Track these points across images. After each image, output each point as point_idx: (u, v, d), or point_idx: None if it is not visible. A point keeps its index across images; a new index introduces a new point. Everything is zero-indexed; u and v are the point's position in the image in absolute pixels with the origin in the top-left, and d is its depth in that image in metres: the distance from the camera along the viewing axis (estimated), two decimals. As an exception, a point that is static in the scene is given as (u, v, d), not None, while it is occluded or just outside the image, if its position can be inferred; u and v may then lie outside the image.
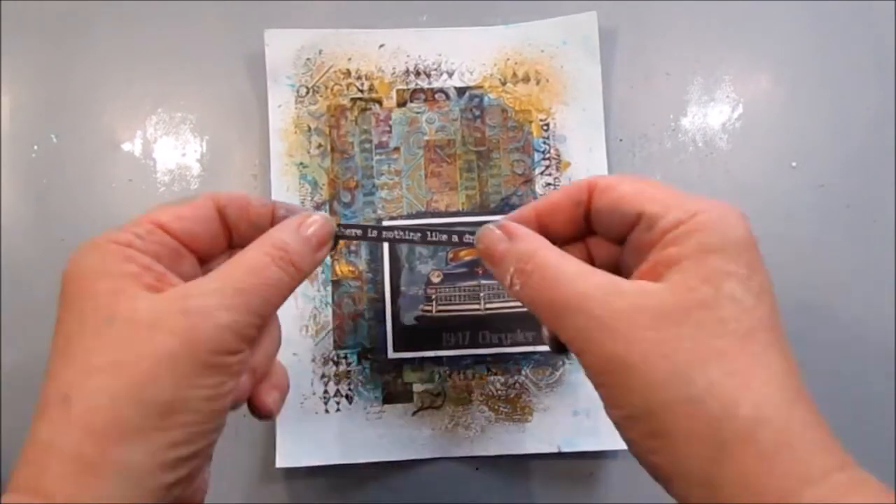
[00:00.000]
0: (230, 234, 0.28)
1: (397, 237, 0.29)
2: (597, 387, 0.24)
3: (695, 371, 0.21)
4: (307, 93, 0.40)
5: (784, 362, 0.22)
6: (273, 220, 0.28)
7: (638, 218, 0.25)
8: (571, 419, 0.38)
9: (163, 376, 0.22)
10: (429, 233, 0.29)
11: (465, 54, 0.41)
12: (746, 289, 0.23)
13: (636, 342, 0.22)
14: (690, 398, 0.21)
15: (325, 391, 0.38)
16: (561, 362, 0.39)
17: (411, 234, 0.29)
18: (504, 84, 0.40)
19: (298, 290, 0.38)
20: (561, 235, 0.28)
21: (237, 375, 0.25)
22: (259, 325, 0.25)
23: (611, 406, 0.24)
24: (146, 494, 0.22)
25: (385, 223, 0.39)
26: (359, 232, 0.29)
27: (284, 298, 0.27)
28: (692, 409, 0.21)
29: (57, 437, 0.22)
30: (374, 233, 0.29)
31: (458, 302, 0.39)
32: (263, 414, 0.29)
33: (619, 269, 0.27)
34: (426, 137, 0.40)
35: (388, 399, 0.39)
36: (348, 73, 0.40)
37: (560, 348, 0.26)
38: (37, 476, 0.22)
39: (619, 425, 0.24)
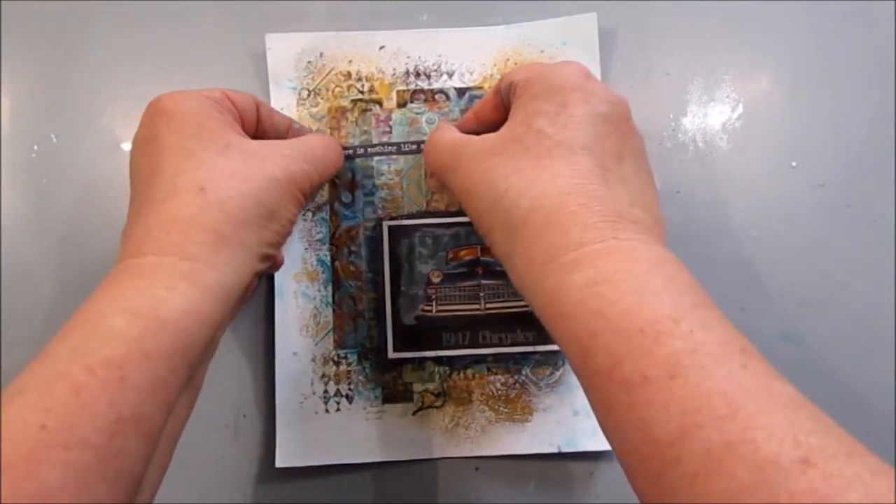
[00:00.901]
0: (257, 126, 0.35)
1: (378, 151, 0.40)
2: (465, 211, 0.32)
3: (499, 183, 0.28)
4: (308, 95, 0.40)
5: (569, 167, 0.27)
6: (289, 129, 0.36)
7: (511, 87, 0.32)
8: (572, 419, 0.38)
9: (272, 191, 0.30)
10: (402, 145, 0.40)
11: (465, 55, 0.41)
12: (552, 122, 0.28)
13: (471, 174, 0.30)
14: (495, 201, 0.28)
15: (326, 391, 0.38)
16: (561, 362, 0.39)
17: (389, 147, 0.40)
18: (504, 84, 0.40)
19: (299, 290, 0.39)
20: (494, 123, 0.35)
21: (297, 214, 0.32)
22: (317, 184, 0.33)
23: (474, 224, 0.31)
24: (247, 273, 0.29)
25: (388, 223, 0.39)
26: (350, 152, 0.40)
27: (327, 177, 0.35)
28: (496, 208, 0.28)
29: (198, 215, 0.27)
30: (361, 150, 0.40)
31: (458, 302, 0.39)
32: (279, 263, 0.38)
33: None
34: (426, 138, 0.40)
35: (388, 399, 0.39)
36: (349, 74, 0.40)
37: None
38: (180, 243, 0.27)
39: (480, 236, 0.31)
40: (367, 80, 0.40)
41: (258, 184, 0.29)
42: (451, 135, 0.34)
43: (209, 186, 0.28)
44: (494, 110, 0.35)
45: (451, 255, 0.39)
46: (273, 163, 0.30)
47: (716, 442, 0.20)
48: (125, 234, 0.29)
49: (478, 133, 0.33)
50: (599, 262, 0.25)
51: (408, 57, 0.41)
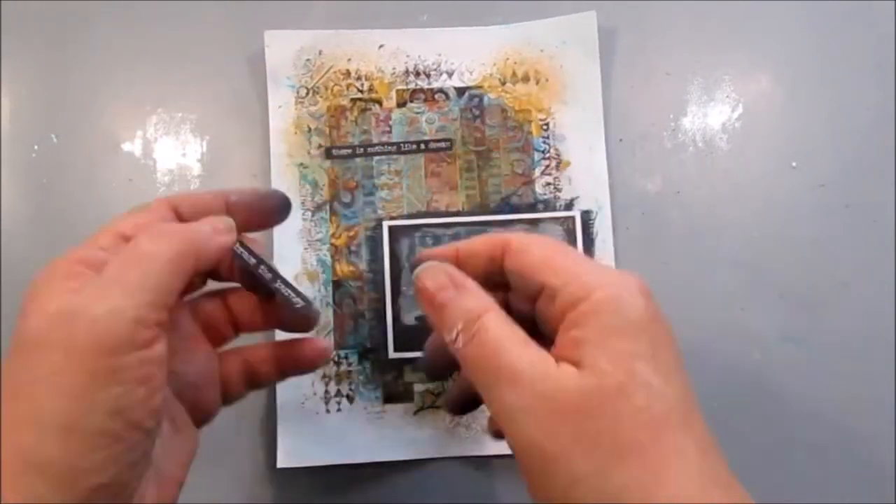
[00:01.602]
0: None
1: (378, 151, 0.36)
2: (520, 467, 0.23)
3: (613, 469, 0.21)
4: (307, 94, 0.40)
5: (697, 445, 0.22)
6: (228, 211, 0.28)
7: (541, 289, 0.25)
8: (572, 419, 0.38)
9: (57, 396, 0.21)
10: (402, 145, 0.31)
11: (465, 54, 0.41)
12: (655, 370, 0.23)
13: (556, 433, 0.22)
14: (610, 494, 0.21)
15: (326, 391, 0.38)
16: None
17: (389, 147, 0.36)
18: (504, 84, 0.40)
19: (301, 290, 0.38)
20: (477, 277, 0.27)
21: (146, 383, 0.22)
22: (162, 306, 0.23)
23: (533, 490, 0.23)
24: None
25: (388, 223, 0.39)
26: (350, 152, 0.33)
27: (184, 275, 0.24)
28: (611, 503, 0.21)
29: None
30: (361, 150, 0.33)
31: (458, 302, 0.39)
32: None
33: (536, 324, 0.27)
34: (426, 137, 0.40)
35: (389, 399, 0.39)
36: (348, 73, 0.40)
37: (498, 434, 0.27)
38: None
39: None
40: (367, 78, 0.40)
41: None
42: (518, 338, 0.24)
43: (5, 424, 0.22)
44: (486, 275, 0.28)
45: (451, 255, 0.39)
46: (50, 346, 0.22)
47: None
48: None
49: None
50: None
51: (407, 56, 0.41)
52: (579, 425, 0.22)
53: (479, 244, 0.28)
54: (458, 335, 0.25)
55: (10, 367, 0.22)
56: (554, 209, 0.39)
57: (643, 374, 0.22)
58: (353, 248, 0.39)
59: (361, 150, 0.40)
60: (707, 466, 0.22)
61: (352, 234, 0.39)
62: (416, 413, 0.39)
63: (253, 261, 0.28)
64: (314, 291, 0.39)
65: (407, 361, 0.39)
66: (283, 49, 0.40)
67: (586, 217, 0.39)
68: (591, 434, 0.22)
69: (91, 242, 0.25)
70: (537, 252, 0.26)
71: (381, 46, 0.41)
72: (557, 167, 0.40)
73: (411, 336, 0.39)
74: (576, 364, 0.23)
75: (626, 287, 0.24)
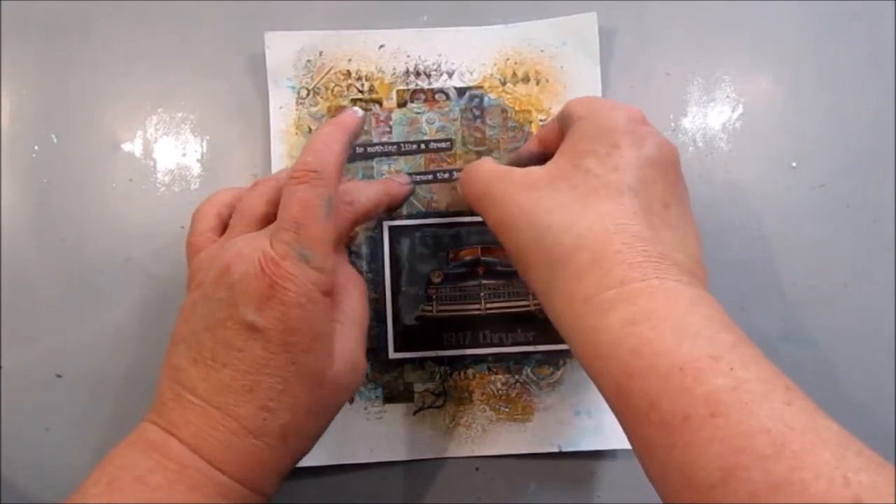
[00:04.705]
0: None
1: (378, 151, 0.39)
2: (494, 232, 0.31)
3: (542, 219, 0.28)
4: (308, 94, 0.40)
5: (615, 208, 0.27)
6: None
7: (569, 117, 0.31)
8: (573, 419, 0.38)
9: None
10: (402, 145, 0.39)
11: (465, 54, 0.41)
12: (601, 163, 0.28)
13: (510, 207, 0.29)
14: (537, 237, 0.28)
15: (326, 391, 0.38)
16: (562, 361, 0.39)
17: (389, 147, 0.39)
18: (504, 84, 0.40)
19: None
20: (557, 148, 0.33)
21: None
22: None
23: (510, 258, 0.31)
24: None
25: (388, 223, 0.39)
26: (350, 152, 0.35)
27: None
28: (538, 244, 0.28)
29: (274, 463, 0.30)
30: (361, 150, 0.38)
31: (458, 302, 0.39)
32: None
33: None
34: (426, 137, 0.40)
35: (389, 399, 0.39)
36: (348, 74, 0.40)
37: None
38: (253, 480, 0.29)
39: (517, 270, 0.31)
40: (367, 79, 0.40)
41: (327, 421, 0.31)
42: (490, 165, 0.32)
43: (291, 436, 0.29)
44: (559, 136, 0.34)
45: (451, 256, 0.39)
46: (347, 389, 0.30)
47: (761, 483, 0.19)
48: (182, 398, 0.28)
49: (543, 158, 0.31)
50: (639, 300, 0.24)
51: (408, 56, 0.41)
52: (524, 197, 0.29)
53: (550, 120, 0.37)
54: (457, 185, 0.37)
55: None
56: (554, 209, 0.39)
57: (589, 165, 0.28)
58: (353, 248, 0.39)
59: (361, 150, 0.40)
60: (616, 221, 0.27)
61: (352, 234, 0.39)
62: (416, 413, 0.39)
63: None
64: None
65: (407, 361, 0.39)
66: (284, 50, 0.40)
67: (586, 217, 0.39)
68: (533, 202, 0.28)
69: (320, 274, 0.29)
70: (578, 100, 0.32)
71: (381, 47, 0.41)
72: (557, 167, 0.40)
73: (412, 336, 0.39)
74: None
75: (619, 107, 0.30)
